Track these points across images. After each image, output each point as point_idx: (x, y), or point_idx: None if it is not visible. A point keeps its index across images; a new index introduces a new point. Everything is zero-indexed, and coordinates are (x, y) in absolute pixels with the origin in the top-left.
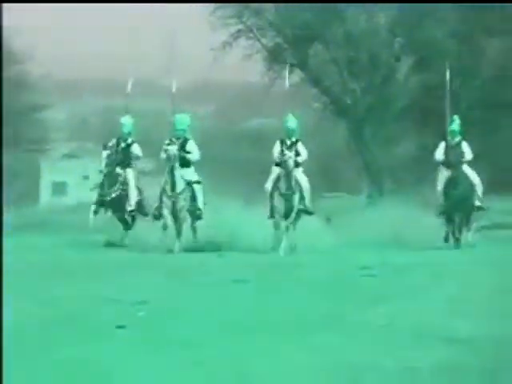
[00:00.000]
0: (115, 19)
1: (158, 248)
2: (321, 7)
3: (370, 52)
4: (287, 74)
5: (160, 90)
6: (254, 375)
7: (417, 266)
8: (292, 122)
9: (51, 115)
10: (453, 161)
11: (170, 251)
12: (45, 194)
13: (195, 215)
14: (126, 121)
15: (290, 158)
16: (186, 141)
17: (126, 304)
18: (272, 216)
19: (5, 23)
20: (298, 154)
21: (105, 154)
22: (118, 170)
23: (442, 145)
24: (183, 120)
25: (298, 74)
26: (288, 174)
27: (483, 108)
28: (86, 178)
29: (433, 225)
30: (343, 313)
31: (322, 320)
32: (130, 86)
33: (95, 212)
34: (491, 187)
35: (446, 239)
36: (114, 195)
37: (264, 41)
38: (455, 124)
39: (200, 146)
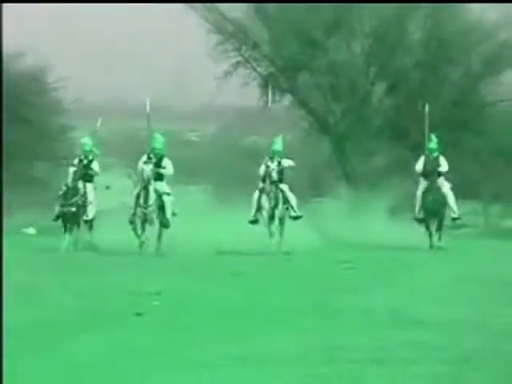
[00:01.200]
0: (128, 48)
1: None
2: (308, 41)
3: (348, 79)
4: (270, 95)
5: (172, 112)
6: (251, 353)
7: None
8: (278, 144)
9: (78, 135)
10: (429, 174)
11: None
12: None
13: (163, 224)
14: (87, 141)
15: (273, 170)
16: (161, 157)
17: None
18: (255, 220)
19: (38, 57)
20: (281, 171)
21: (71, 169)
22: (80, 184)
23: (422, 158)
24: (160, 139)
25: (288, 98)
26: (273, 185)
27: (444, 126)
28: (107, 187)
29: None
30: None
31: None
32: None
33: (57, 218)
34: (454, 192)
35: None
36: (73, 208)
37: (259, 70)
38: (432, 142)
39: (204, 159)
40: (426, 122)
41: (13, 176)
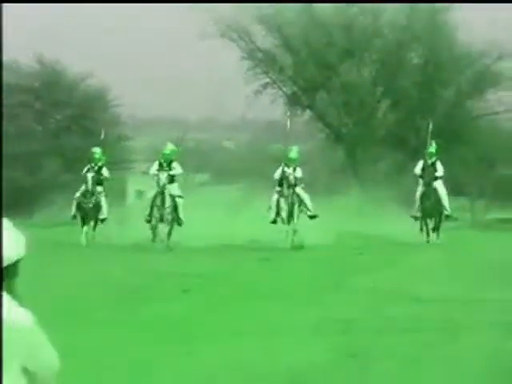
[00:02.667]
0: (175, 72)
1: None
2: (324, 65)
3: (358, 97)
4: (288, 120)
5: (213, 124)
6: (278, 323)
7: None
8: (294, 152)
9: (134, 144)
10: (427, 177)
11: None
12: (129, 199)
13: (178, 223)
14: (97, 150)
15: (290, 174)
16: (171, 162)
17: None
18: (275, 220)
19: (99, 76)
20: (296, 177)
21: (89, 175)
22: (95, 187)
23: (420, 163)
24: (172, 147)
25: (308, 113)
26: (290, 188)
27: (437, 136)
28: (141, 192)
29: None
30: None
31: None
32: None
33: (74, 216)
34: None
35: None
36: (91, 205)
37: (284, 89)
38: (432, 147)
39: (239, 162)
40: (429, 133)
41: (78, 176)
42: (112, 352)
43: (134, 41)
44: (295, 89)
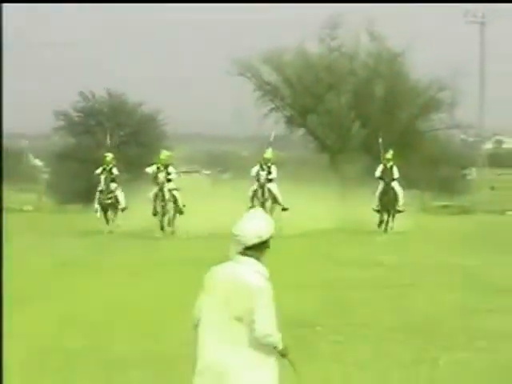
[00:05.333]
0: (205, 98)
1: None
2: (313, 95)
3: (338, 118)
4: (273, 134)
5: (231, 138)
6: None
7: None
8: (268, 153)
9: (177, 152)
10: (386, 179)
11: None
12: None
13: (180, 212)
14: (108, 154)
15: (262, 176)
16: (167, 166)
17: None
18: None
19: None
20: (270, 173)
21: (103, 176)
22: (112, 185)
23: (380, 167)
24: (167, 153)
25: (302, 130)
26: (262, 186)
27: (395, 146)
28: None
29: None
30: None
31: None
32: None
33: (97, 210)
34: (401, 185)
35: (379, 225)
36: (109, 200)
37: (285, 113)
38: (389, 154)
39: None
40: (381, 141)
41: (135, 176)
42: None
43: (175, 77)
44: (293, 112)
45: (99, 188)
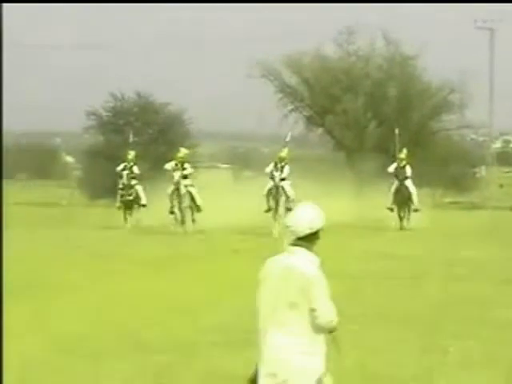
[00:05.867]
0: (229, 99)
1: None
2: (331, 96)
3: (355, 118)
4: (289, 134)
5: (254, 136)
6: None
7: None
8: (284, 153)
9: (202, 149)
10: (399, 177)
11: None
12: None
13: (198, 209)
14: (131, 152)
15: (276, 175)
16: (184, 163)
17: None
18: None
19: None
20: (282, 172)
21: (125, 173)
22: (131, 181)
23: (394, 164)
24: (185, 151)
25: (320, 130)
26: (276, 185)
27: (409, 145)
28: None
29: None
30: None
31: None
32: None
33: (119, 207)
34: (414, 183)
35: (401, 221)
36: (131, 197)
37: (304, 113)
38: (403, 153)
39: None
40: (397, 141)
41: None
42: None
43: (200, 77)
44: (311, 113)
45: (120, 185)
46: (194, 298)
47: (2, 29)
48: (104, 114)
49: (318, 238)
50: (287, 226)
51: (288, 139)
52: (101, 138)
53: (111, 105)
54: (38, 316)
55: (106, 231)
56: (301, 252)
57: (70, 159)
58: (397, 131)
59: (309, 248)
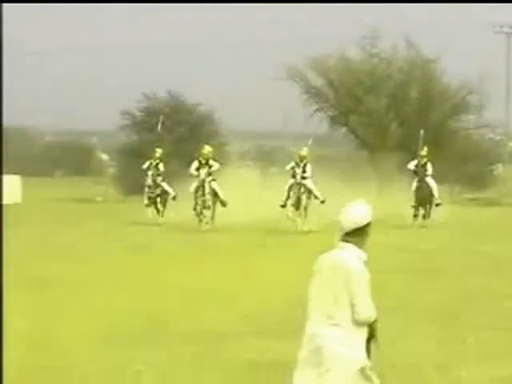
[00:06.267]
0: (258, 100)
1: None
2: (355, 97)
3: (377, 118)
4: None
5: (281, 134)
6: None
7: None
8: (304, 151)
9: (231, 147)
10: (420, 175)
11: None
12: None
13: (222, 203)
14: (158, 151)
15: (298, 173)
16: (208, 160)
17: None
18: (284, 205)
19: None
20: (305, 171)
21: (150, 172)
22: (158, 179)
23: (414, 161)
24: (209, 149)
25: (344, 129)
26: (298, 183)
27: (429, 144)
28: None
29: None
30: None
31: None
32: (310, 142)
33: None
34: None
35: (414, 218)
36: (158, 191)
37: (328, 113)
38: (424, 151)
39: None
40: (421, 140)
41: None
42: None
43: (230, 77)
44: (335, 113)
45: (146, 183)
46: (223, 290)
47: (2, 29)
48: (137, 113)
49: (366, 234)
50: (336, 222)
51: (310, 143)
52: (134, 137)
53: (144, 105)
54: (82, 304)
55: (139, 226)
56: (349, 248)
57: (105, 157)
58: (422, 132)
59: (357, 244)
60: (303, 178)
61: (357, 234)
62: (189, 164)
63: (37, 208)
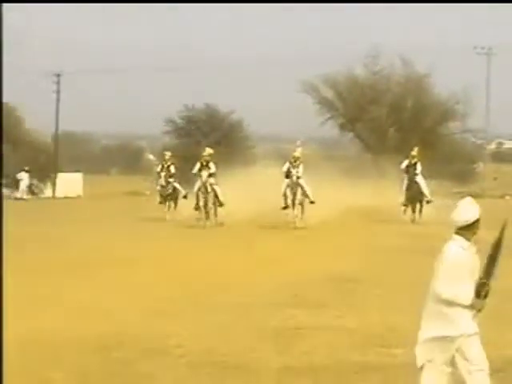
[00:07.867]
0: (280, 110)
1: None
2: (360, 107)
3: (379, 125)
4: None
5: (289, 138)
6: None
7: None
8: (298, 152)
9: (260, 150)
10: (410, 174)
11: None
12: None
13: (220, 204)
14: (167, 154)
15: (294, 174)
16: (208, 162)
17: None
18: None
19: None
20: (298, 174)
21: (163, 174)
22: (170, 179)
23: (406, 161)
24: (210, 151)
25: (350, 135)
26: (294, 182)
27: (420, 145)
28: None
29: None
30: None
31: None
32: (299, 142)
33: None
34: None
35: (404, 213)
36: (170, 190)
37: (338, 121)
38: (414, 151)
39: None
40: (415, 150)
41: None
42: None
43: (257, 90)
44: (344, 120)
45: (159, 183)
46: (246, 271)
47: (1, 29)
48: (179, 121)
49: (475, 228)
50: (452, 218)
51: (298, 144)
52: (176, 141)
53: (184, 114)
54: (135, 281)
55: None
56: (457, 238)
57: (152, 157)
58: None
59: (465, 236)
60: (298, 177)
61: (466, 229)
62: (221, 165)
63: (96, 200)
